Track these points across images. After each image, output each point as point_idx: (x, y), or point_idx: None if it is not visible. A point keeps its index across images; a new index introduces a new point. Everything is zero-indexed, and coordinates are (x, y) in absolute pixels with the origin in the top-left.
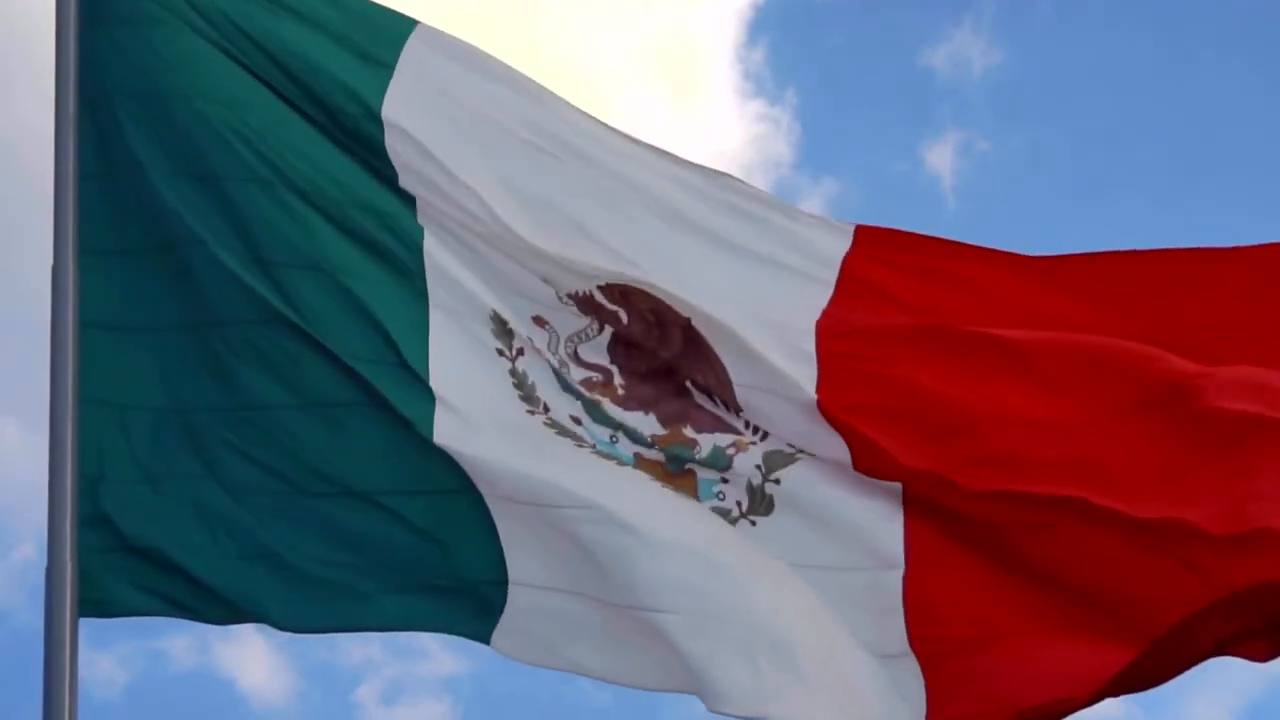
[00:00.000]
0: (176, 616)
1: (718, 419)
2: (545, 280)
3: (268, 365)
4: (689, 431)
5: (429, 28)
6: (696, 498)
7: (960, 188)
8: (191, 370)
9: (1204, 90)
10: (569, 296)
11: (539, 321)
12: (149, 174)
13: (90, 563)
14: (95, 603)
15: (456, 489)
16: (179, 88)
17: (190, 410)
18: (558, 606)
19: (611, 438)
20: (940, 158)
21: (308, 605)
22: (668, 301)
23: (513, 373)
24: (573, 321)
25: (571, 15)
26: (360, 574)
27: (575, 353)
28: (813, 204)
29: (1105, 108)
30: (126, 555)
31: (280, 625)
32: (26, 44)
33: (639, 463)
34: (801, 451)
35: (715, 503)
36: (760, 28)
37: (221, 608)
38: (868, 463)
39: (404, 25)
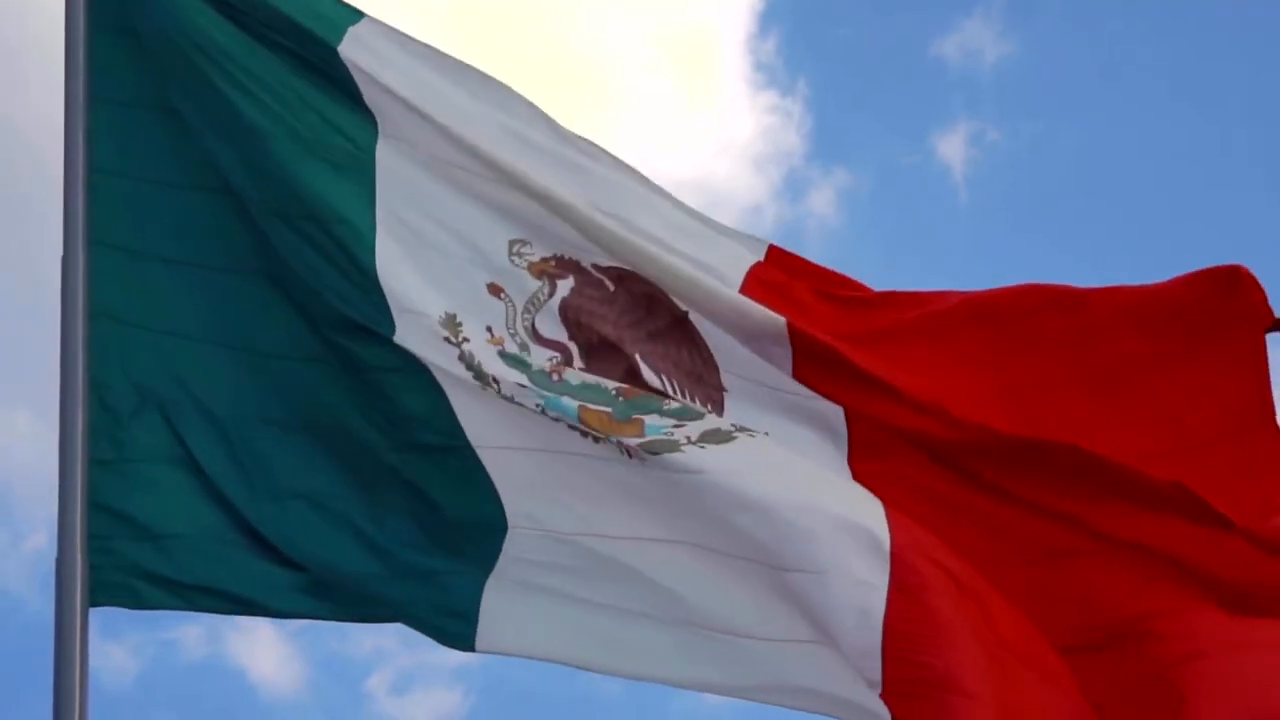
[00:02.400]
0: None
1: (684, 393)
2: (512, 217)
3: (357, 404)
4: (657, 387)
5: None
6: (643, 434)
7: (972, 178)
8: (291, 389)
9: (1212, 80)
10: (521, 253)
11: (494, 290)
12: (234, 196)
13: (101, 554)
14: (107, 593)
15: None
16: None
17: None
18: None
19: (559, 392)
20: (951, 148)
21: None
22: (669, 294)
23: (461, 356)
24: (527, 284)
25: (583, 7)
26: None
27: (533, 326)
28: (824, 195)
29: (1115, 97)
30: (148, 544)
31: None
32: (45, 36)
33: (582, 414)
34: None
35: (660, 435)
36: (771, 19)
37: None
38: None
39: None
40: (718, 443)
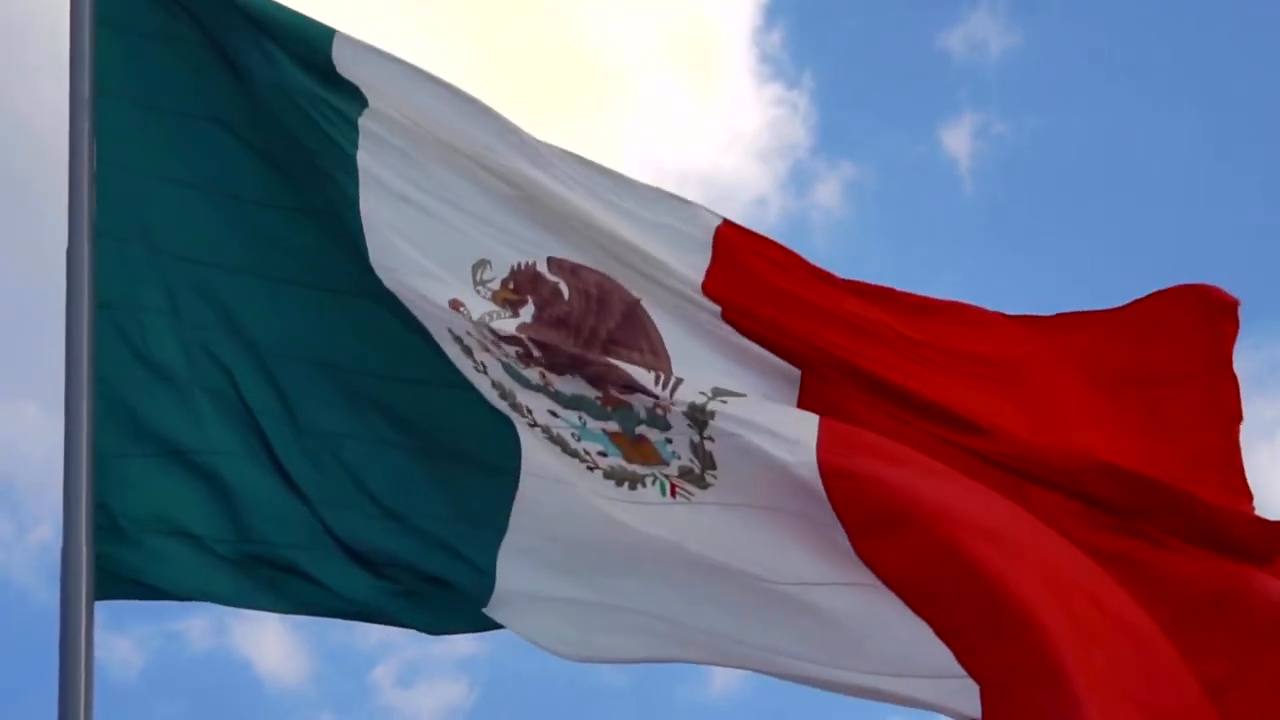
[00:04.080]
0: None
1: (632, 381)
2: (482, 211)
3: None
4: (615, 393)
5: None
6: (662, 460)
7: (977, 170)
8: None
9: (1216, 73)
10: (484, 280)
11: (454, 305)
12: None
13: (106, 545)
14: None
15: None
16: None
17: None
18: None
19: (580, 419)
20: (957, 141)
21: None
22: (619, 280)
23: (493, 385)
24: (483, 305)
25: (588, 3)
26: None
27: (490, 326)
28: (829, 188)
29: (1120, 90)
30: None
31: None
32: (51, 27)
33: (614, 440)
34: (721, 396)
35: (678, 463)
36: (777, 11)
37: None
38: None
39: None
40: (714, 466)
